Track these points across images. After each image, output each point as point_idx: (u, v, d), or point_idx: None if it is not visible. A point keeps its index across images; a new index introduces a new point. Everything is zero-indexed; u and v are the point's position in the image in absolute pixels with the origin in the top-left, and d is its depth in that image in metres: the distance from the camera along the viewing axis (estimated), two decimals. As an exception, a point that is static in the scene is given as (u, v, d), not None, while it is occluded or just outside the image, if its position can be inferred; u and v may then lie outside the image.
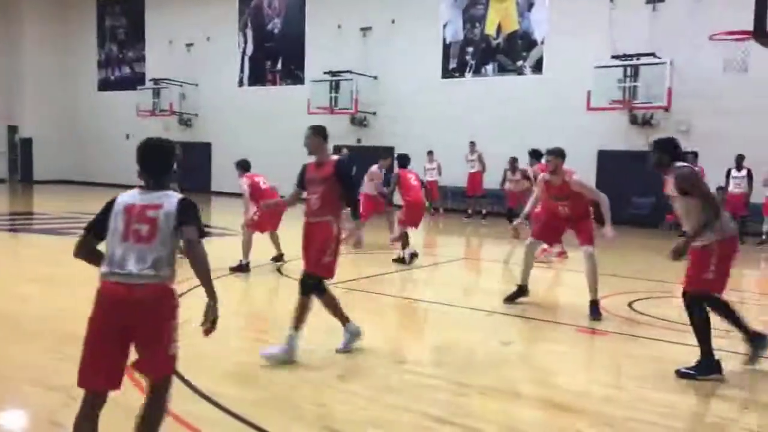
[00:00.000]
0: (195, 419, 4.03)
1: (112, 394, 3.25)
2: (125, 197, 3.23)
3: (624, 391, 4.96)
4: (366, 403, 4.45)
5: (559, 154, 7.41)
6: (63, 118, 29.23)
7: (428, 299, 8.07)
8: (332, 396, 4.72)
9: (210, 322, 3.31)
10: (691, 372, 5.09)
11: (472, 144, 18.03)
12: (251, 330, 6.52)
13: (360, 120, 21.56)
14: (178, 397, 4.36)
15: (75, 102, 29.53)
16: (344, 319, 5.54)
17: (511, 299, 7.58)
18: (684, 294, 5.31)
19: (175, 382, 4.64)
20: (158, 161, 3.33)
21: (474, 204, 18.33)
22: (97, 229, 3.24)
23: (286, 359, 5.16)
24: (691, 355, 5.83)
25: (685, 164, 5.30)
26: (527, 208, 7.86)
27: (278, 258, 9.63)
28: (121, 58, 28.60)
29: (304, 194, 5.59)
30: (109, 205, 3.23)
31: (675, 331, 6.64)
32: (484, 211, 18.09)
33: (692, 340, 6.25)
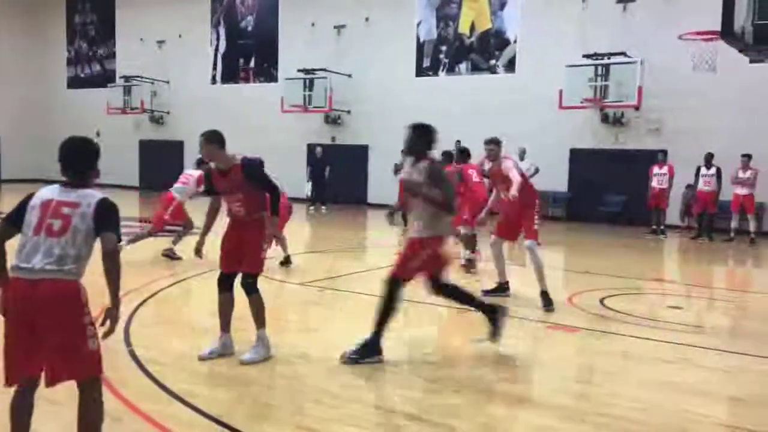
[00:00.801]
0: (168, 420, 3.99)
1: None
2: (44, 192, 3.20)
3: (596, 386, 5.01)
4: (339, 401, 4.44)
5: (497, 142, 7.73)
6: (32, 116, 28.71)
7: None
8: (306, 395, 4.70)
9: (110, 328, 3.26)
10: (354, 356, 5.14)
11: (458, 142, 18.04)
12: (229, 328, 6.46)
13: (334, 118, 21.51)
14: (151, 399, 4.32)
15: (44, 100, 29.04)
16: (262, 323, 5.22)
17: (491, 293, 7.65)
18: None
19: (148, 383, 4.62)
20: (79, 160, 3.31)
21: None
22: (14, 218, 3.19)
23: (266, 357, 5.16)
24: (661, 350, 5.92)
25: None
26: (488, 205, 8.17)
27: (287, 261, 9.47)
28: (91, 56, 28.18)
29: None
30: (28, 198, 3.20)
31: (646, 327, 6.73)
32: (457, 209, 18.21)
33: (662, 335, 6.36)
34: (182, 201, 10.14)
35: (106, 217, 3.16)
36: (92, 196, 3.18)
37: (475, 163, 10.36)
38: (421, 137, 5.42)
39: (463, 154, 10.37)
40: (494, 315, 5.59)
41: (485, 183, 9.97)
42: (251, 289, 5.16)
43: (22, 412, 3.18)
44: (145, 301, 7.05)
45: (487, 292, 7.71)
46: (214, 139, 5.22)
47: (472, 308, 5.70)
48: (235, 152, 5.34)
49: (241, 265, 5.19)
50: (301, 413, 4.32)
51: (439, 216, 5.26)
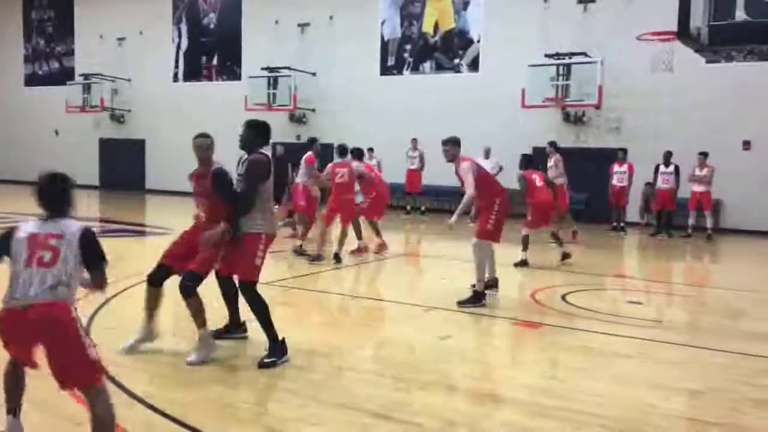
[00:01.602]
0: (130, 424, 3.93)
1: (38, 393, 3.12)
2: (28, 227, 3.41)
3: (558, 381, 5.08)
4: (304, 400, 4.43)
5: (454, 142, 7.53)
6: (-13, 114, 28.03)
7: (367, 296, 8.09)
8: (269, 395, 4.68)
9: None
10: (271, 360, 5.07)
11: (414, 141, 18.14)
12: (187, 330, 6.39)
13: (299, 117, 21.42)
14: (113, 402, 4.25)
15: (1, 98, 28.35)
16: (202, 323, 5.19)
17: (488, 287, 7.67)
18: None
19: (109, 385, 4.54)
20: (57, 197, 3.48)
21: (413, 201, 18.47)
22: (1, 249, 3.41)
23: (209, 356, 5.15)
24: (622, 344, 6.03)
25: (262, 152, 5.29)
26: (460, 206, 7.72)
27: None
28: (49, 53, 27.56)
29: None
30: (12, 231, 3.41)
31: (606, 322, 6.85)
32: (423, 208, 18.31)
33: (623, 330, 6.48)
34: (309, 185, 10.99)
35: (92, 252, 3.44)
36: (74, 225, 3.42)
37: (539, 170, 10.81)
38: (253, 133, 5.32)
39: (531, 161, 10.77)
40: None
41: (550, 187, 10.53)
42: (190, 292, 5.13)
43: (14, 378, 3.53)
44: (107, 301, 6.94)
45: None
46: (202, 142, 5.41)
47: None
48: (218, 160, 5.41)
49: (184, 264, 5.24)
50: (267, 414, 4.30)
51: (256, 212, 5.14)
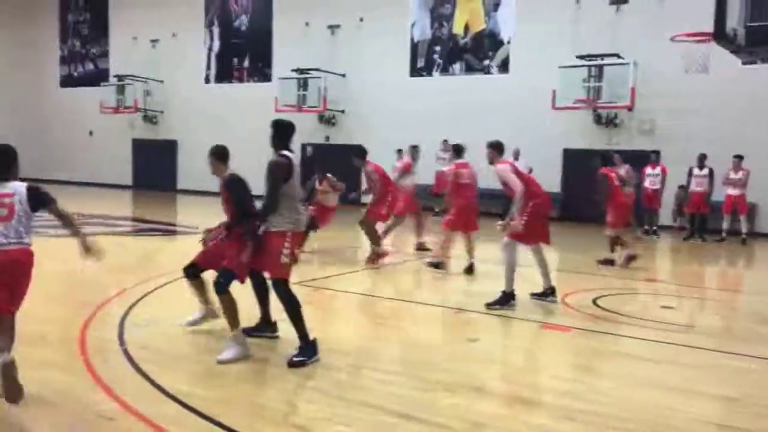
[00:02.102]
0: (162, 420, 4.00)
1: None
2: None
3: (586, 385, 5.04)
4: (331, 400, 4.45)
5: (492, 145, 7.68)
6: (25, 114, 28.61)
7: (396, 297, 8.10)
8: (297, 394, 4.72)
9: (96, 251, 4.63)
10: (301, 359, 5.10)
11: (445, 142, 18.11)
12: (217, 329, 6.47)
13: (328, 118, 21.52)
14: (143, 398, 4.33)
15: (37, 98, 28.93)
16: (234, 323, 5.27)
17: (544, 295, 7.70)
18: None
19: (143, 383, 4.63)
20: (7, 162, 4.40)
21: (442, 201, 18.42)
22: None
23: (240, 356, 5.19)
24: (652, 349, 5.96)
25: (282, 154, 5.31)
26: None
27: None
28: (85, 54, 28.08)
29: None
30: None
31: (637, 326, 6.77)
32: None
33: (654, 335, 6.41)
34: (406, 188, 11.31)
35: (40, 196, 4.37)
36: (21, 186, 4.33)
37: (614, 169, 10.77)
38: (274, 134, 5.43)
39: (608, 159, 10.87)
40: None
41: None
42: (221, 289, 5.25)
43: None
44: (139, 300, 7.05)
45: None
46: (212, 152, 5.68)
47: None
48: (233, 169, 5.65)
49: (215, 264, 5.45)
50: (295, 413, 4.33)
51: (282, 211, 5.21)
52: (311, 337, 5.23)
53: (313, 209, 10.16)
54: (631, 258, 10.36)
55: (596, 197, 10.77)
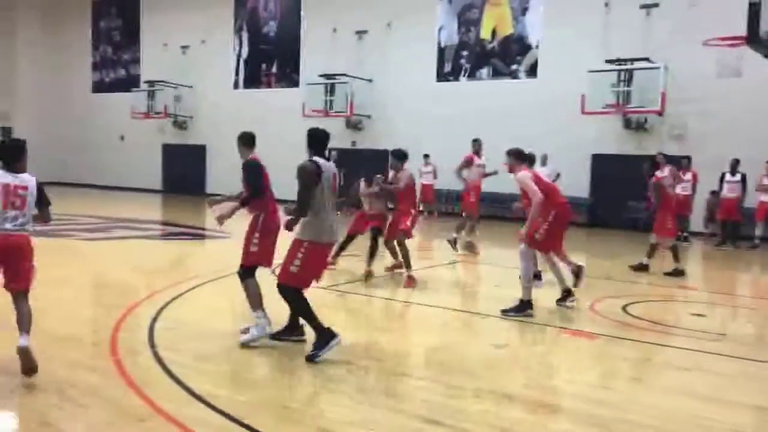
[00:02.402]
0: (190, 421, 4.04)
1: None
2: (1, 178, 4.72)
3: (614, 392, 4.98)
4: (357, 404, 4.46)
5: (510, 153, 7.50)
6: (58, 119, 29.19)
7: (423, 302, 8.08)
8: (324, 397, 4.73)
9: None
10: (314, 353, 5.23)
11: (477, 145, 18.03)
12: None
13: (355, 123, 21.59)
14: (173, 400, 4.38)
15: (69, 103, 29.47)
16: (255, 305, 5.70)
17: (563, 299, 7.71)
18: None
19: (172, 384, 4.68)
20: (19, 155, 4.81)
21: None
22: None
23: (259, 337, 5.58)
24: (682, 357, 5.87)
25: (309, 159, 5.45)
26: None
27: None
28: (116, 60, 28.55)
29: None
30: None
31: (667, 334, 6.68)
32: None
33: (684, 342, 6.31)
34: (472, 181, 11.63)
35: (43, 197, 4.90)
36: (32, 180, 4.81)
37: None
38: (310, 141, 5.54)
39: (655, 163, 10.70)
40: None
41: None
42: (241, 277, 5.77)
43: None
44: (169, 303, 7.13)
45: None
46: (238, 137, 6.09)
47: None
48: (256, 154, 6.02)
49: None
50: (321, 416, 4.35)
51: (310, 220, 5.30)
52: (326, 326, 5.31)
53: (361, 214, 9.59)
54: (679, 272, 10.23)
55: (644, 204, 10.65)
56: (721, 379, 5.33)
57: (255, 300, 5.70)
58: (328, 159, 5.55)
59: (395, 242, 9.07)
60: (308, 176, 5.29)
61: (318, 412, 4.42)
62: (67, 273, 8.72)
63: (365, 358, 5.50)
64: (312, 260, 5.33)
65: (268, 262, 5.84)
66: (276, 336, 5.67)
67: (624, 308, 7.73)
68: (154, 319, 6.41)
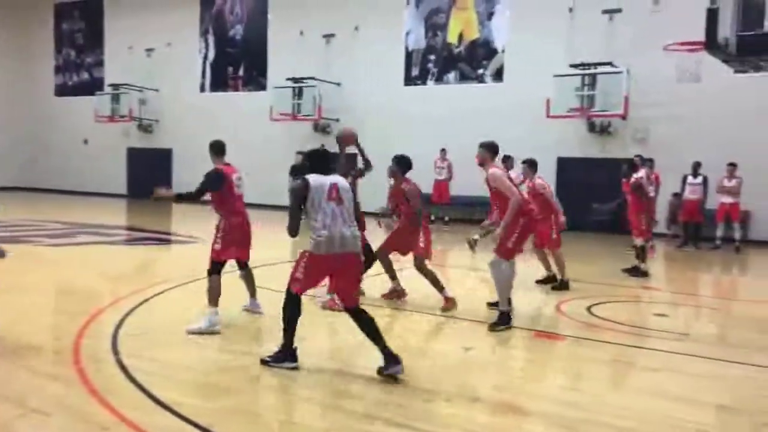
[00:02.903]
0: (154, 429, 3.99)
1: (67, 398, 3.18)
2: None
3: (584, 394, 5.04)
4: (327, 410, 4.45)
5: (483, 145, 6.96)
6: (20, 123, 28.55)
7: (392, 306, 8.08)
8: (294, 404, 4.71)
9: None
10: (269, 359, 5.31)
11: (443, 151, 18.18)
12: (211, 338, 6.46)
13: (323, 127, 21.54)
14: (137, 408, 4.31)
15: (32, 107, 28.86)
16: (213, 302, 6.29)
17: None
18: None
19: (136, 392, 4.61)
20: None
21: (437, 211, 18.47)
22: None
23: (206, 330, 6.11)
24: (647, 357, 5.97)
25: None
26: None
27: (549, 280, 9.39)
28: (79, 63, 28.08)
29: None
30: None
31: (632, 334, 6.78)
32: (446, 218, 18.31)
33: (649, 342, 6.42)
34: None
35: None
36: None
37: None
38: (310, 164, 5.49)
39: (630, 167, 10.92)
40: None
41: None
42: (208, 272, 6.38)
43: None
44: (134, 309, 7.03)
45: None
46: (209, 146, 6.71)
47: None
48: (225, 164, 6.62)
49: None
50: (291, 422, 4.32)
51: (309, 232, 5.27)
52: (294, 345, 5.26)
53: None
54: (642, 272, 10.45)
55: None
56: (687, 378, 5.43)
57: (212, 295, 6.28)
58: (348, 173, 5.92)
59: (419, 269, 7.97)
60: (295, 195, 5.29)
61: (288, 419, 4.40)
62: (30, 280, 8.54)
63: (335, 363, 5.48)
64: (311, 270, 5.26)
65: (228, 256, 6.50)
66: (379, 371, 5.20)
67: (589, 309, 7.83)
68: (119, 326, 6.31)
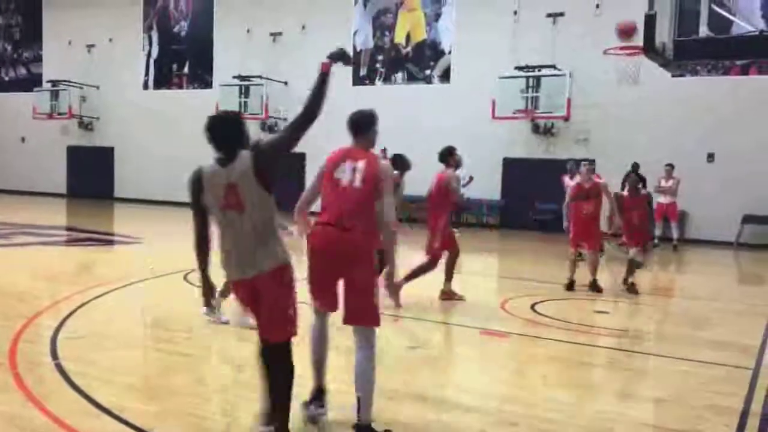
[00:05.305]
0: (94, 434, 3.90)
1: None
2: None
3: (526, 390, 5.14)
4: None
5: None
6: (-49, 119, 27.47)
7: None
8: (237, 406, 4.66)
9: None
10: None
11: (384, 151, 18.20)
12: (154, 340, 6.34)
13: (271, 126, 21.36)
14: (76, 413, 4.20)
15: (-36, 103, 27.81)
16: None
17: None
18: None
19: (76, 397, 4.50)
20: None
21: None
22: None
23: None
24: (588, 353, 6.11)
25: None
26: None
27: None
28: (16, 58, 27.15)
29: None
30: None
31: (574, 331, 6.94)
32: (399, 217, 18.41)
33: (590, 339, 6.58)
34: None
35: None
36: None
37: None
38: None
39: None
40: None
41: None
42: None
43: None
44: (73, 311, 6.85)
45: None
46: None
47: None
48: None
49: None
50: (236, 423, 4.28)
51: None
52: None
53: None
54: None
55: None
56: (625, 374, 5.60)
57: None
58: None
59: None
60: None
61: (232, 422, 4.35)
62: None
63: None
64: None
65: None
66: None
67: (533, 307, 7.98)
68: (57, 329, 6.14)
